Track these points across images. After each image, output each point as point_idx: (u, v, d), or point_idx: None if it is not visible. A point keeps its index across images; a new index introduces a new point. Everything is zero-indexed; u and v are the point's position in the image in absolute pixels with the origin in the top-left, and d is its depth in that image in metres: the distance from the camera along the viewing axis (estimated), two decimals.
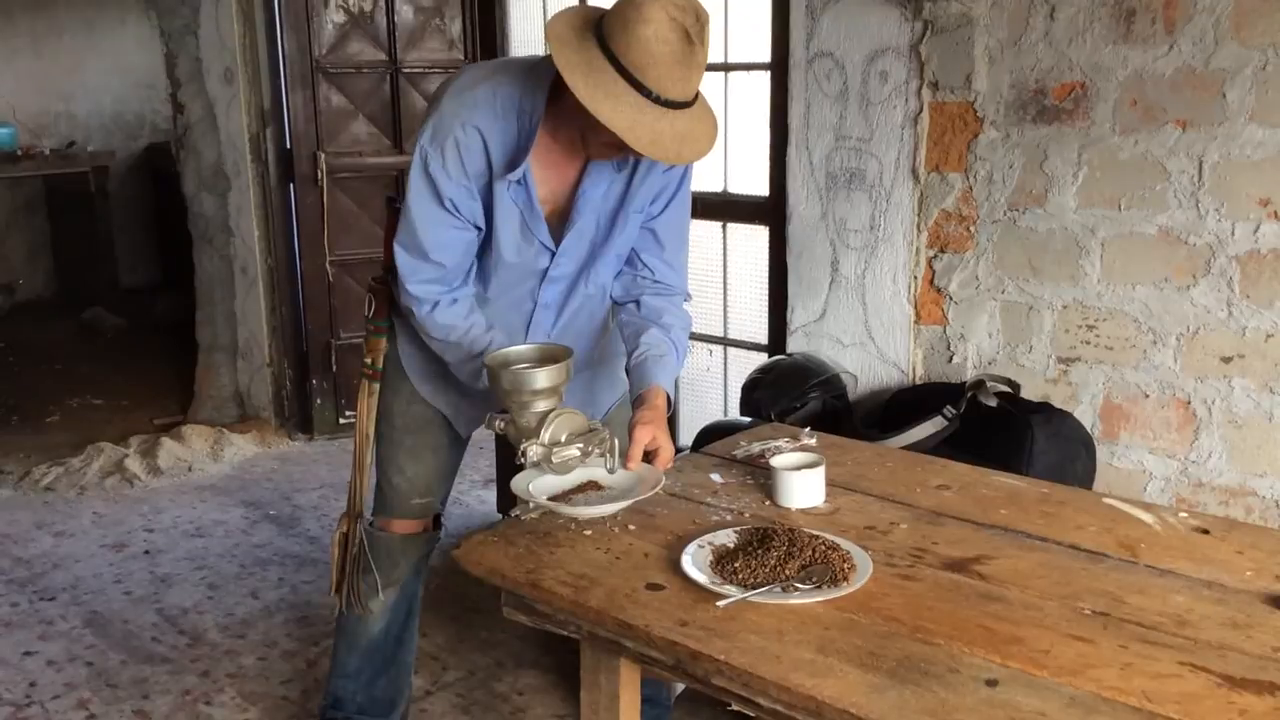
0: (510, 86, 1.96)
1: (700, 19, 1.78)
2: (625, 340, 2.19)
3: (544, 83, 1.93)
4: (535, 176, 2.00)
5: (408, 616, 2.45)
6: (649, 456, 1.97)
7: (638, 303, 2.19)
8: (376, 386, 2.31)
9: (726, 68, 3.45)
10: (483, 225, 2.03)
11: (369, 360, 2.31)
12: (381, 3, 4.65)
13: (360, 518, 2.39)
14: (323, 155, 4.58)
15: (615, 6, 1.81)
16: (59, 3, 7.42)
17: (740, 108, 3.46)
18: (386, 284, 2.25)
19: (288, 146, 4.67)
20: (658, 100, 1.78)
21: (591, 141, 1.90)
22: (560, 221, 2.07)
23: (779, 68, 3.19)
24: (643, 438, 1.95)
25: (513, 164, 1.95)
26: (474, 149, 1.96)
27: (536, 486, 1.92)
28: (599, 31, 1.79)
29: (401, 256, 2.04)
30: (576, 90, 1.76)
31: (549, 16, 4.01)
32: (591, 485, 1.97)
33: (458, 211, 1.99)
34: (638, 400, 2.05)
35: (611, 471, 1.96)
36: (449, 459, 2.36)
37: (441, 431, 2.31)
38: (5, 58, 7.29)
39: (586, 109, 1.76)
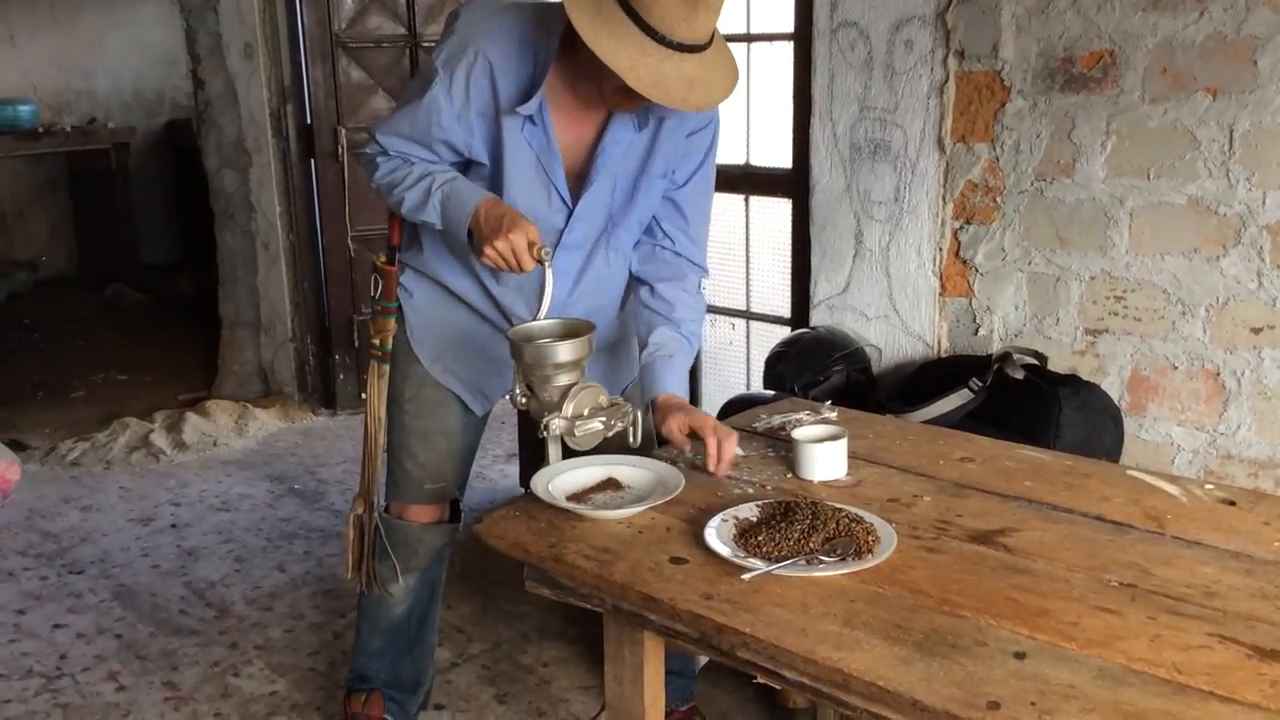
0: (526, 23, 1.94)
1: None
2: (637, 330, 2.16)
3: (559, 24, 1.89)
4: (555, 127, 1.96)
5: (430, 599, 2.43)
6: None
7: (652, 289, 2.15)
8: (386, 368, 2.27)
9: (749, 38, 3.42)
10: (478, 156, 2.00)
11: (377, 341, 2.26)
12: None
13: (374, 503, 2.34)
14: (343, 130, 4.58)
15: None
16: None
17: (763, 79, 3.43)
18: (393, 263, 2.22)
19: (308, 122, 4.66)
20: (663, 41, 1.73)
21: (606, 90, 1.85)
22: (578, 182, 2.03)
23: (802, 38, 3.16)
24: (699, 429, 1.97)
25: (523, 98, 1.91)
26: (482, 81, 1.93)
27: (555, 485, 1.90)
28: None
29: (372, 142, 2.07)
30: (579, 27, 1.73)
31: None
32: (611, 483, 1.95)
33: (430, 143, 1.99)
34: (653, 405, 2.05)
35: (634, 444, 1.96)
36: (462, 442, 2.30)
37: (453, 415, 2.26)
38: (26, 35, 7.31)
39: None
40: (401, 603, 2.36)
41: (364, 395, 2.39)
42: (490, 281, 2.12)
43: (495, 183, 2.00)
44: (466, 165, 2.05)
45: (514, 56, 1.92)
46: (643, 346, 2.12)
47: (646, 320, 2.14)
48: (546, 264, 1.88)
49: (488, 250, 1.87)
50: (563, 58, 1.91)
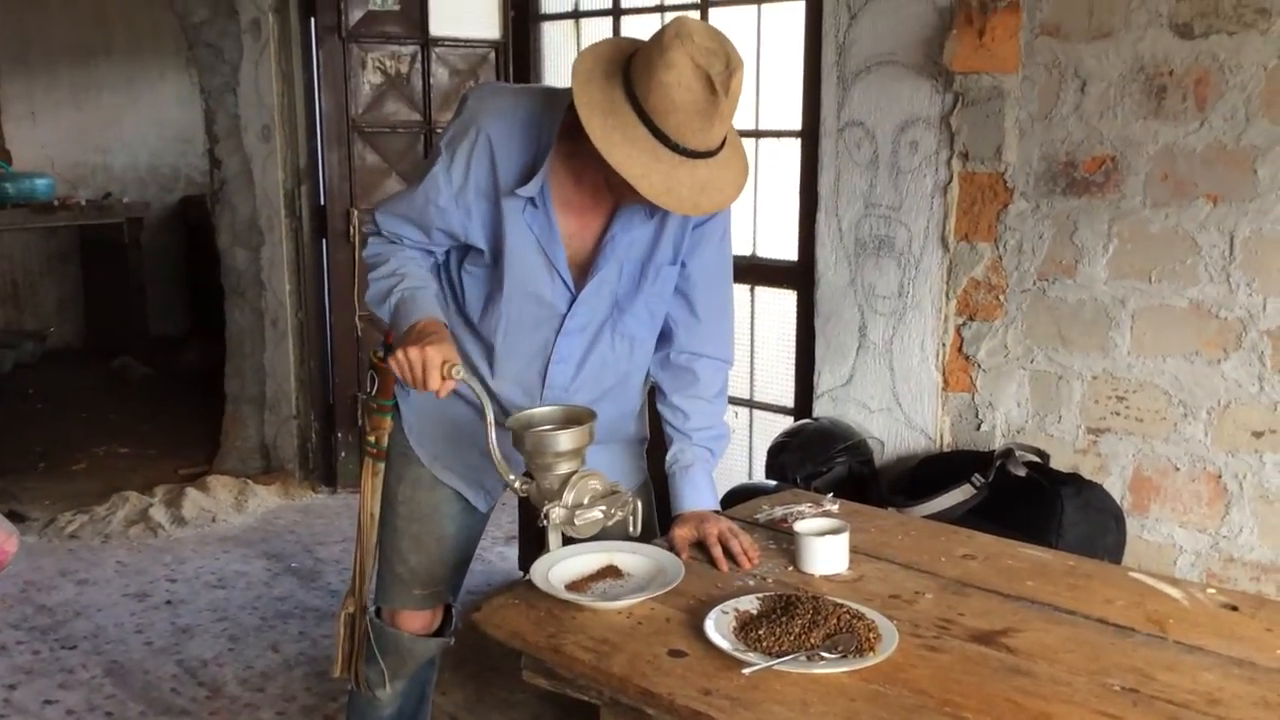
0: (531, 106, 1.92)
1: (730, 65, 1.71)
2: (665, 440, 2.18)
3: (563, 109, 1.87)
4: (557, 213, 1.94)
5: (420, 701, 2.36)
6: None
7: (667, 398, 2.16)
8: (380, 465, 2.20)
9: (758, 134, 3.49)
10: (475, 242, 1.98)
11: (372, 439, 2.19)
12: (418, 65, 4.74)
13: (365, 604, 2.27)
14: (355, 212, 4.64)
15: (644, 46, 1.75)
16: (100, 58, 7.61)
17: (771, 173, 3.49)
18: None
19: (322, 203, 4.73)
20: (676, 148, 1.72)
21: (613, 182, 1.82)
22: (584, 269, 2.00)
23: (810, 135, 3.22)
24: (703, 538, 2.02)
25: (524, 181, 1.89)
26: (482, 161, 1.91)
27: (555, 573, 1.90)
28: (627, 69, 1.74)
29: (380, 206, 2.07)
30: (591, 132, 1.71)
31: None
32: (611, 571, 1.94)
33: (427, 227, 1.99)
34: (678, 519, 2.08)
35: (634, 533, 1.96)
36: (457, 546, 2.22)
37: (448, 519, 2.19)
38: (46, 110, 7.45)
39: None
40: (390, 705, 2.29)
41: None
42: (485, 372, 2.08)
43: (496, 266, 1.98)
44: (465, 251, 2.03)
45: (516, 138, 1.90)
46: (666, 456, 2.15)
47: (666, 433, 2.16)
48: (456, 380, 1.84)
49: (399, 353, 1.83)
50: (566, 145, 1.88)
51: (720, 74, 1.70)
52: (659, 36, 1.72)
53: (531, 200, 1.92)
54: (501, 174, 1.92)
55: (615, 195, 1.91)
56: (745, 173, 1.87)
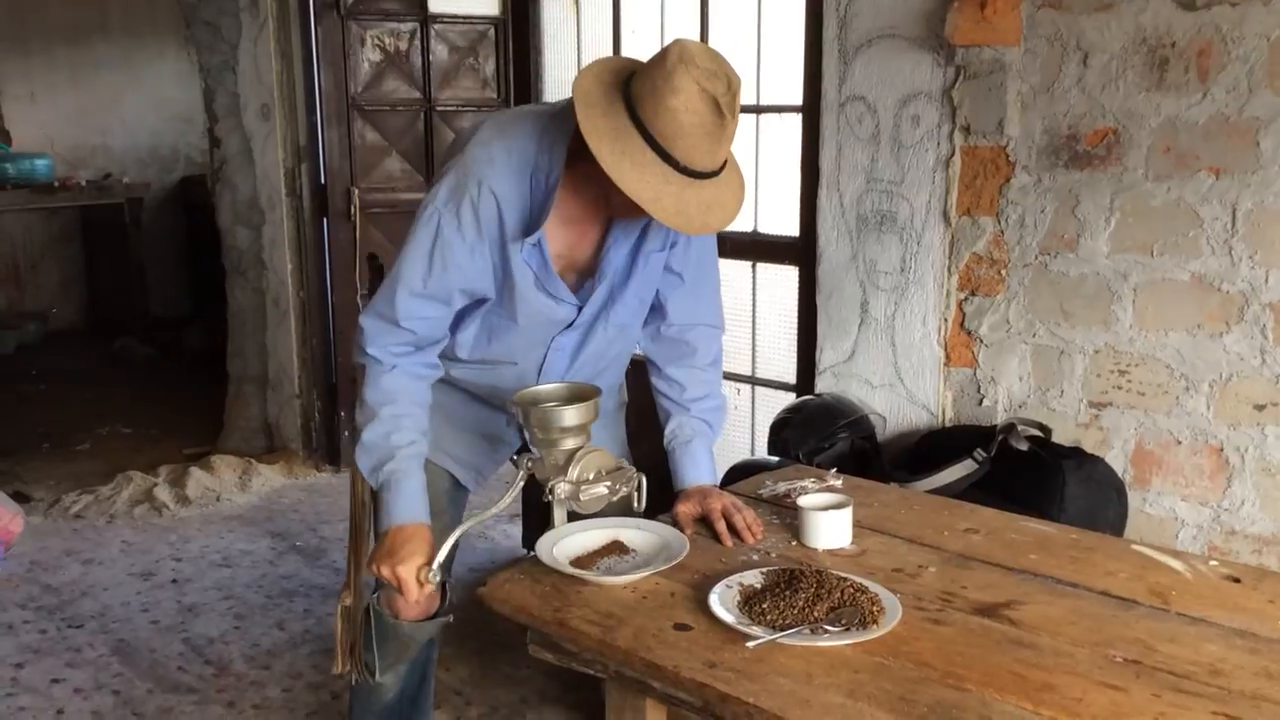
0: (525, 142, 1.90)
1: (732, 87, 1.74)
2: (659, 415, 2.19)
3: (563, 137, 1.87)
4: (552, 235, 1.94)
5: (422, 681, 2.36)
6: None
7: (661, 371, 2.17)
8: None
9: (758, 109, 3.48)
10: (488, 293, 1.97)
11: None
12: (417, 42, 4.72)
13: (362, 593, 2.24)
14: (356, 191, 4.63)
15: (646, 68, 1.76)
16: (98, 38, 7.57)
17: (771, 149, 3.48)
18: None
19: (322, 182, 4.72)
20: (685, 171, 1.75)
21: (615, 201, 1.84)
22: (581, 279, 2.03)
23: (811, 110, 3.22)
24: (707, 513, 2.02)
25: (529, 228, 1.89)
26: (489, 213, 1.90)
27: (560, 549, 1.91)
28: (628, 92, 1.76)
29: (370, 321, 1.97)
30: (601, 159, 1.73)
31: (581, 63, 4.05)
32: (616, 546, 1.96)
33: (449, 295, 1.94)
34: (680, 495, 2.09)
35: (639, 508, 1.97)
36: (451, 524, 2.18)
37: (440, 497, 2.18)
38: (45, 91, 7.43)
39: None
40: (392, 689, 2.29)
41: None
42: (477, 377, 2.09)
43: (504, 304, 1.98)
44: (455, 324, 2.03)
45: (515, 184, 1.89)
46: (661, 434, 2.15)
47: (662, 407, 2.18)
48: (434, 583, 1.87)
49: (376, 568, 1.90)
50: (570, 165, 1.88)
51: (724, 95, 1.73)
52: (661, 61, 1.74)
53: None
54: (508, 222, 1.91)
55: (616, 212, 1.93)
56: (744, 188, 1.89)
